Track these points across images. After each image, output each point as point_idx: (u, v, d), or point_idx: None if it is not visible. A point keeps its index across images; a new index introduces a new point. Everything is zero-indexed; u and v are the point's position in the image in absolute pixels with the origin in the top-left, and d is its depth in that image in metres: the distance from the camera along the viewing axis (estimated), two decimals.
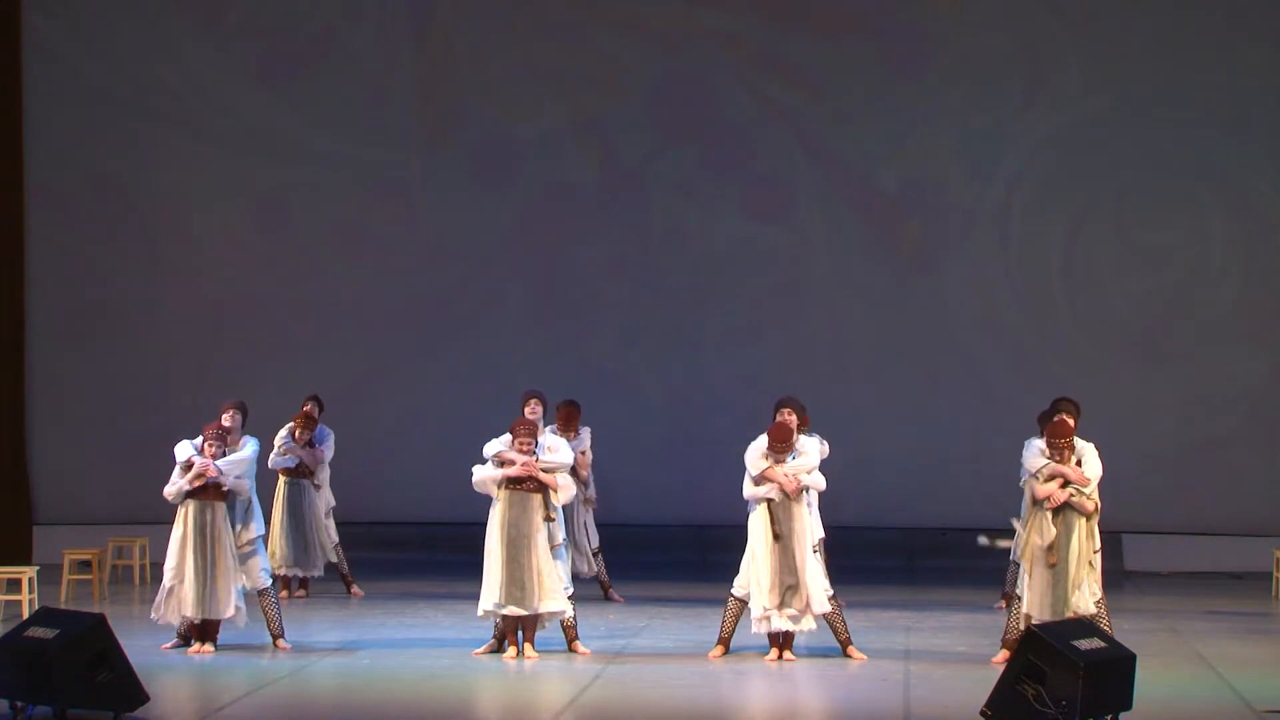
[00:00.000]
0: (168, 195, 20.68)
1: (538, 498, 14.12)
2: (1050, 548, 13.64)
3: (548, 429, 15.93)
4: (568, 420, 16.59)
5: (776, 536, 13.91)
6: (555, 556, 14.19)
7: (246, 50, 20.62)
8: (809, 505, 14.11)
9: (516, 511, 14.10)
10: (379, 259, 20.62)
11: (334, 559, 17.72)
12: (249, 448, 14.62)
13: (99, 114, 20.59)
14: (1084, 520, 13.69)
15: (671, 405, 20.37)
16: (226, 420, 15.13)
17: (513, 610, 14.04)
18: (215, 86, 20.59)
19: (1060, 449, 13.79)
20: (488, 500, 14.21)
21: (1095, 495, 13.77)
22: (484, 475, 14.19)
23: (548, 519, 14.10)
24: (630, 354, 20.44)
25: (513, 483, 14.11)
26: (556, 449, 14.31)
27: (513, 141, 20.51)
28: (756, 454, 14.08)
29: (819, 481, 14.14)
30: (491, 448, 14.24)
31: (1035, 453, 13.88)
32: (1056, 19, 20.04)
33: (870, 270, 20.30)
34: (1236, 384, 19.99)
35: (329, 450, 17.74)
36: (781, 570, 13.91)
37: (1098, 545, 13.79)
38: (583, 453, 16.67)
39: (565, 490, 14.27)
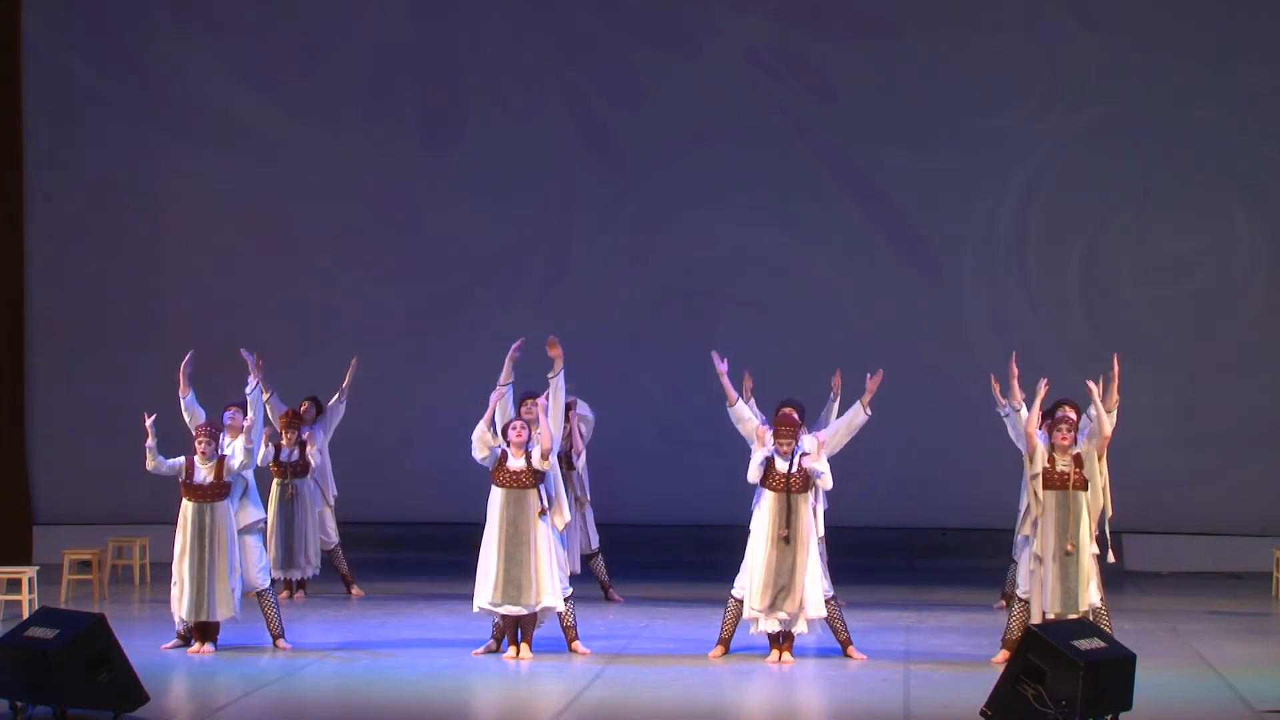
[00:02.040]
0: (168, 197, 20.69)
1: (534, 493, 14.12)
2: (1065, 534, 13.71)
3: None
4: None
5: (785, 540, 13.90)
6: (559, 542, 14.21)
7: (247, 54, 20.61)
8: (813, 510, 14.12)
9: (514, 510, 14.11)
10: (380, 261, 20.62)
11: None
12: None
13: (98, 118, 20.58)
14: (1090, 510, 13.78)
15: (672, 406, 20.36)
16: (228, 418, 15.07)
17: (509, 609, 14.04)
18: (215, 90, 20.59)
19: (1062, 428, 13.88)
20: (486, 500, 14.20)
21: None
22: (480, 429, 14.19)
23: (541, 514, 14.09)
24: (632, 355, 20.43)
25: (509, 480, 14.11)
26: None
27: (515, 143, 20.49)
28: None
29: (827, 481, 14.10)
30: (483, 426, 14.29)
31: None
32: (1076, 20, 20.00)
33: (877, 272, 20.29)
34: (1237, 384, 20.00)
35: (332, 418, 17.74)
36: (776, 572, 13.90)
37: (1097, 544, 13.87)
38: (582, 419, 16.67)
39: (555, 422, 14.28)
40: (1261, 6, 19.95)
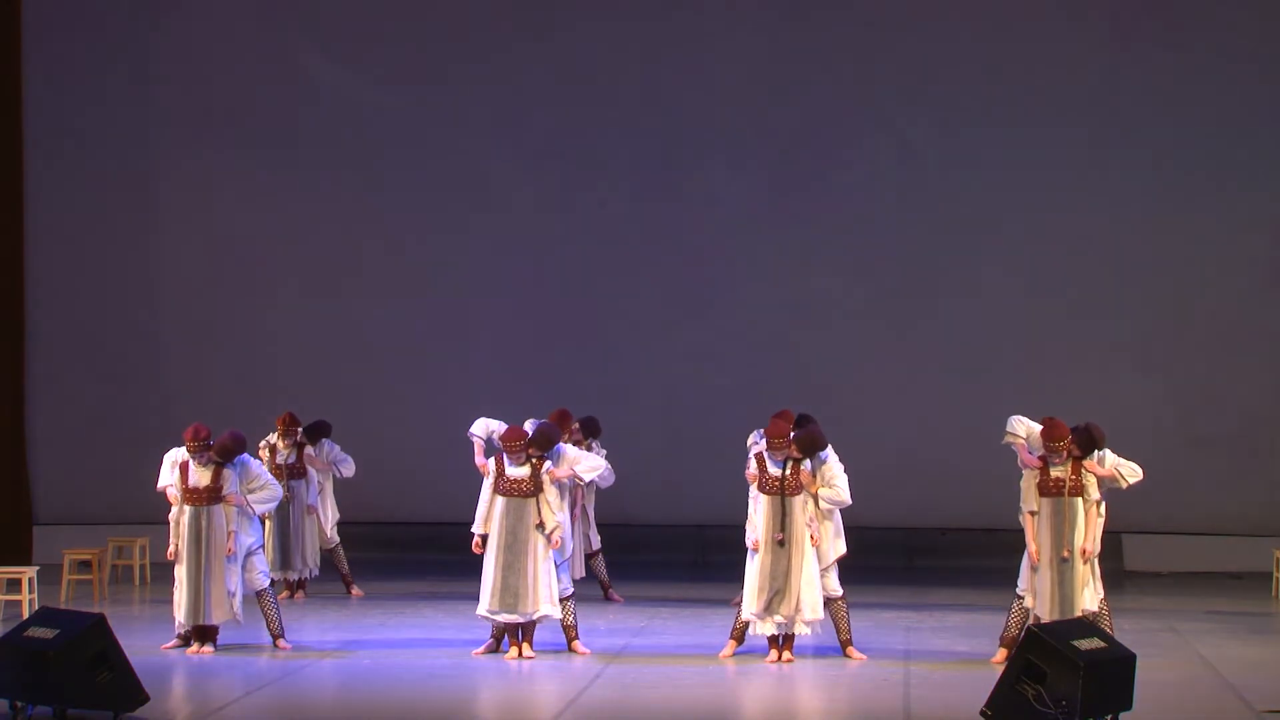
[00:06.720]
0: (168, 198, 20.68)
1: (533, 503, 14.12)
2: (1061, 540, 13.72)
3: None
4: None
5: (780, 543, 13.90)
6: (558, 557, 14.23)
7: (248, 59, 20.59)
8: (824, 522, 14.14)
9: (514, 519, 14.10)
10: (381, 264, 20.60)
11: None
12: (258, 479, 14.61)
13: (99, 121, 20.57)
14: (1089, 515, 13.75)
15: (671, 406, 20.35)
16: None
17: (506, 617, 14.08)
18: (215, 97, 20.58)
19: (1058, 451, 13.85)
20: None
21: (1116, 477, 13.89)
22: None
23: (539, 526, 14.08)
24: (631, 355, 20.42)
25: (509, 488, 14.11)
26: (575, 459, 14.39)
27: (513, 145, 20.48)
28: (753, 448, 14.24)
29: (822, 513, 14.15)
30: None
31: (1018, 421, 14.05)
32: (1068, 23, 19.98)
33: (874, 272, 20.27)
34: (1236, 384, 19.99)
35: (338, 469, 17.73)
36: (771, 575, 13.89)
37: (1098, 548, 13.87)
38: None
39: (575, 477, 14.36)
40: (1263, 6, 19.94)
